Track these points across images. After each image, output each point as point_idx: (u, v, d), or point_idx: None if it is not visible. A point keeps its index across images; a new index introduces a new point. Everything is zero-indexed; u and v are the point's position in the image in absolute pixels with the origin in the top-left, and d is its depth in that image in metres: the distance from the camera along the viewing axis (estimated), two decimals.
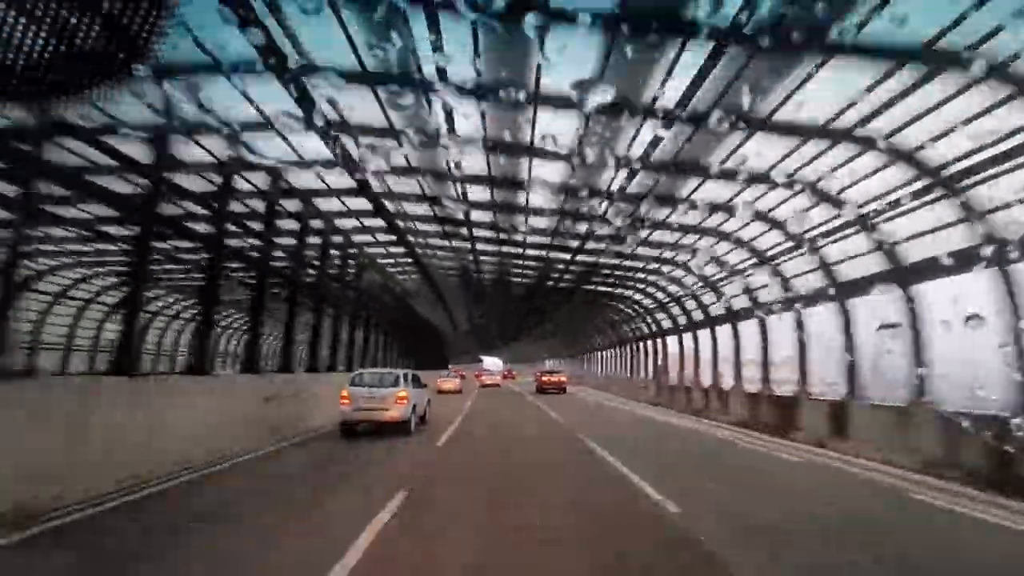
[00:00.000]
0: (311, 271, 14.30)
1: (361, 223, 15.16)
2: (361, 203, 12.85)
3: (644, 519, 5.18)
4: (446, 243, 17.40)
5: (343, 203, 13.05)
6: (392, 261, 20.71)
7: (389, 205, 13.34)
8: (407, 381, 11.23)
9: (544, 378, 30.19)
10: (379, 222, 14.77)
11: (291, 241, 12.98)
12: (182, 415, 7.22)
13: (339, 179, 11.17)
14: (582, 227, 14.09)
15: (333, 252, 15.77)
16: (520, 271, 21.10)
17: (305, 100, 7.16)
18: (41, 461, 4.99)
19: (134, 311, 8.22)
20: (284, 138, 8.79)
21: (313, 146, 9.19)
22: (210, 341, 10.29)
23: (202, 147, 8.81)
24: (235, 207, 11.00)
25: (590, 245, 15.84)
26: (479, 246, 17.28)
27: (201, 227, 9.99)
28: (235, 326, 30.63)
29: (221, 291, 10.68)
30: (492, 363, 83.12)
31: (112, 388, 6.19)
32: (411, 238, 17.16)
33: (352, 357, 18.08)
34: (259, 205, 11.55)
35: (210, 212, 10.15)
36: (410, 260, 19.91)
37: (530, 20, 5.44)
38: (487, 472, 7.39)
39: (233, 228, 11.02)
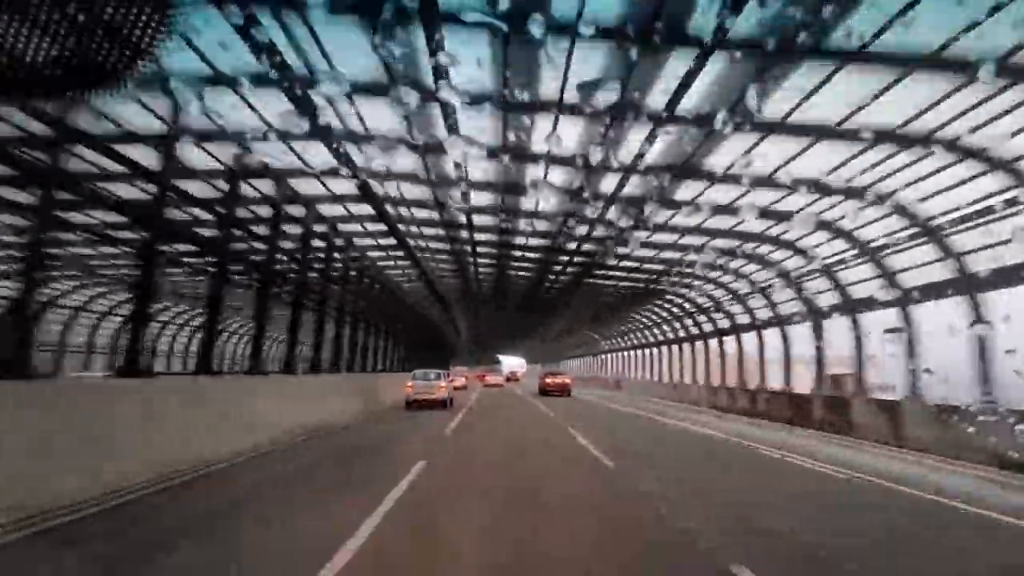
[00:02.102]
0: (363, 303, 20.26)
1: (388, 253, 19.28)
2: (392, 239, 16.89)
3: None
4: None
5: (378, 243, 17.73)
6: (405, 279, 24.37)
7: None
8: (443, 377, 18.53)
9: (548, 379, 29.88)
10: (404, 250, 18.18)
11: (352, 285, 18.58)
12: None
13: (375, 226, 15.39)
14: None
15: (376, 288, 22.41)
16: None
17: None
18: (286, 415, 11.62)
19: (317, 339, 13.73)
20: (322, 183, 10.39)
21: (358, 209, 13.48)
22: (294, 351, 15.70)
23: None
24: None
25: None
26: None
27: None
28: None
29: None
30: (513, 364, 76.38)
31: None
32: (423, 255, 19.56)
33: (385, 361, 25.67)
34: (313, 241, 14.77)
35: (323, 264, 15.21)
36: (421, 277, 23.04)
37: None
38: (494, 424, 14.14)
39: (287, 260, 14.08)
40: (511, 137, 9.08)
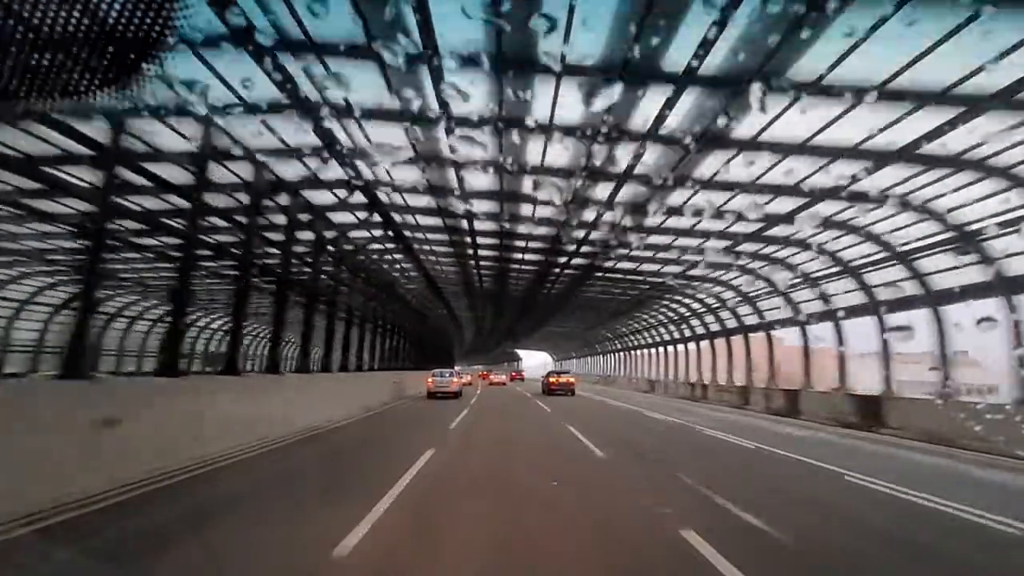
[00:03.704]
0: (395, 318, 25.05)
1: (406, 274, 23.15)
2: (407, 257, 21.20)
3: None
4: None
5: (395, 260, 21.18)
6: (419, 289, 27.55)
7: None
8: (455, 375, 23.54)
9: (552, 379, 30.07)
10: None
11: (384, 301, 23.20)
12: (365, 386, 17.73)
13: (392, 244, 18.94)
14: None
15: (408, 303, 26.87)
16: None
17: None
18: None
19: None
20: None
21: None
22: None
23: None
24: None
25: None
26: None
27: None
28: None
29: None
30: (533, 362, 70.22)
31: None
32: (430, 260, 21.38)
33: (409, 362, 30.68)
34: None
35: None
36: (433, 288, 26.11)
37: None
38: (498, 409, 18.06)
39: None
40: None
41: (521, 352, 77.08)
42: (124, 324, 27.94)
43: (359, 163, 10.83)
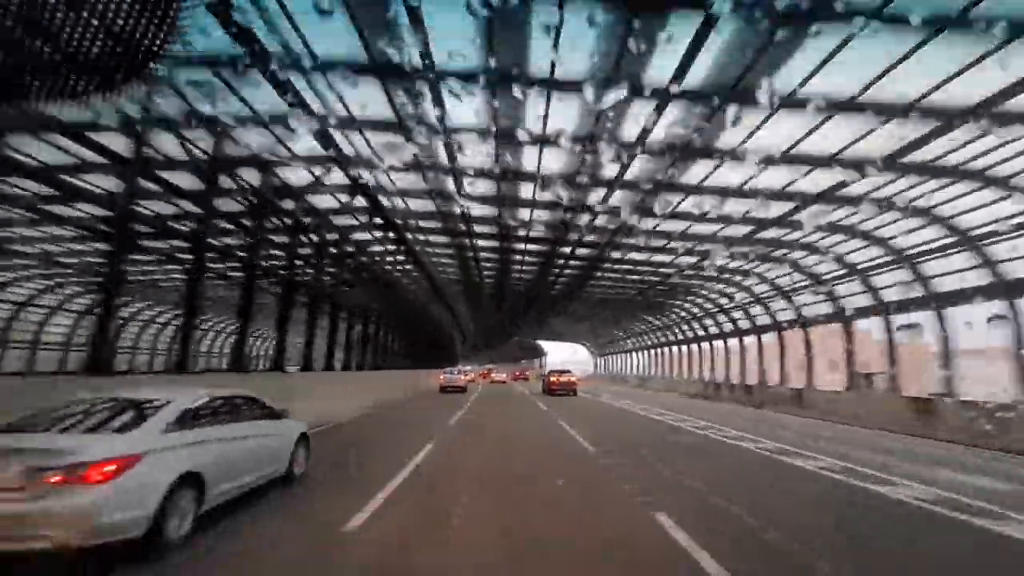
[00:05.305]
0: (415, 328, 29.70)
1: (419, 286, 27.26)
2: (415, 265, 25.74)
3: None
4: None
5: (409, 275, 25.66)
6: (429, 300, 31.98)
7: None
8: (462, 372, 29.01)
9: (552, 379, 29.37)
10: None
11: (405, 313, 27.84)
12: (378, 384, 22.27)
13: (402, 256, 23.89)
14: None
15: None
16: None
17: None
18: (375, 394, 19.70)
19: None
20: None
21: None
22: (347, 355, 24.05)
23: None
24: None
25: None
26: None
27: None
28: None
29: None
30: (559, 360, 57.60)
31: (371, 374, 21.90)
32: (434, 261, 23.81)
33: (423, 361, 35.29)
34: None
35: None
36: (441, 297, 30.73)
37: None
38: (497, 399, 22.24)
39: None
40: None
41: (547, 345, 60.73)
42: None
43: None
